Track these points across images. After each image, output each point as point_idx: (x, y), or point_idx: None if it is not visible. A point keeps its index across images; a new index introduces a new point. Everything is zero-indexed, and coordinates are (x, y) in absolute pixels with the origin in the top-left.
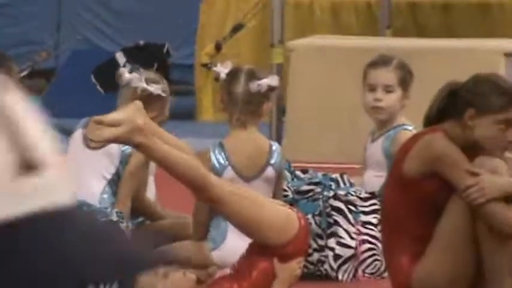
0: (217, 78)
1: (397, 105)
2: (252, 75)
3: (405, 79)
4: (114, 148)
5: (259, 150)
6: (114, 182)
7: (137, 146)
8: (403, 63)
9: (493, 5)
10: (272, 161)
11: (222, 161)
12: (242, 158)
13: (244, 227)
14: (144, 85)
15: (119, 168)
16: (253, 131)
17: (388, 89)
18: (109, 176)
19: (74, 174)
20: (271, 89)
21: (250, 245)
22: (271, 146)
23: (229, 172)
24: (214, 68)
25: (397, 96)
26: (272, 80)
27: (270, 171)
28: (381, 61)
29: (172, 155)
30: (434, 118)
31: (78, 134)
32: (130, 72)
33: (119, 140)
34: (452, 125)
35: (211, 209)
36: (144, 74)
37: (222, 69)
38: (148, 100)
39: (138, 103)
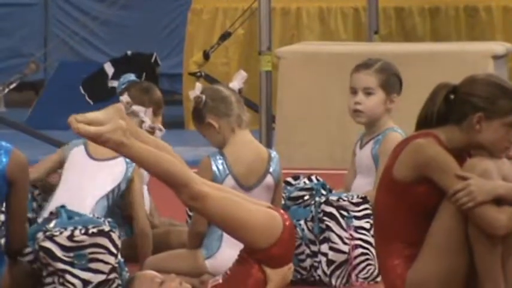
0: (198, 102)
1: (378, 108)
2: (221, 82)
3: (388, 82)
4: (119, 170)
5: (259, 158)
6: (110, 197)
7: (118, 146)
8: (387, 67)
9: (480, 8)
10: (271, 169)
11: (222, 168)
12: (243, 167)
13: (226, 226)
14: (147, 120)
15: (120, 185)
16: (252, 140)
17: (368, 91)
18: (104, 193)
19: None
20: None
21: (240, 252)
22: (270, 154)
23: (229, 181)
24: (190, 93)
25: (378, 99)
26: (240, 78)
27: (269, 180)
28: (363, 64)
29: (153, 153)
30: (429, 122)
31: (80, 149)
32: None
33: (101, 138)
34: (451, 128)
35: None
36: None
37: (196, 91)
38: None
39: (119, 105)
